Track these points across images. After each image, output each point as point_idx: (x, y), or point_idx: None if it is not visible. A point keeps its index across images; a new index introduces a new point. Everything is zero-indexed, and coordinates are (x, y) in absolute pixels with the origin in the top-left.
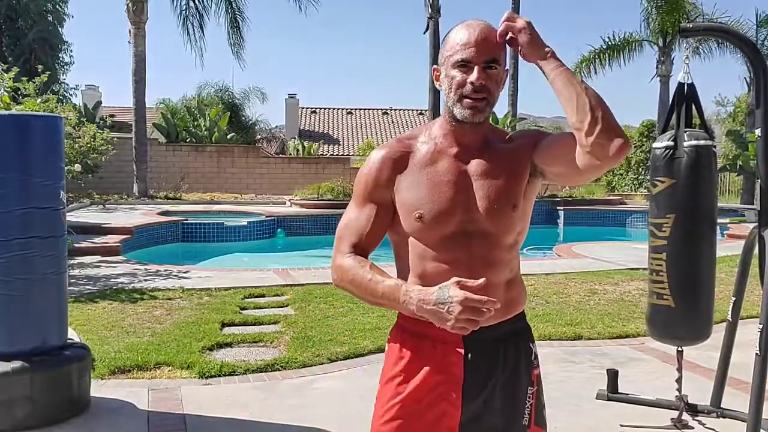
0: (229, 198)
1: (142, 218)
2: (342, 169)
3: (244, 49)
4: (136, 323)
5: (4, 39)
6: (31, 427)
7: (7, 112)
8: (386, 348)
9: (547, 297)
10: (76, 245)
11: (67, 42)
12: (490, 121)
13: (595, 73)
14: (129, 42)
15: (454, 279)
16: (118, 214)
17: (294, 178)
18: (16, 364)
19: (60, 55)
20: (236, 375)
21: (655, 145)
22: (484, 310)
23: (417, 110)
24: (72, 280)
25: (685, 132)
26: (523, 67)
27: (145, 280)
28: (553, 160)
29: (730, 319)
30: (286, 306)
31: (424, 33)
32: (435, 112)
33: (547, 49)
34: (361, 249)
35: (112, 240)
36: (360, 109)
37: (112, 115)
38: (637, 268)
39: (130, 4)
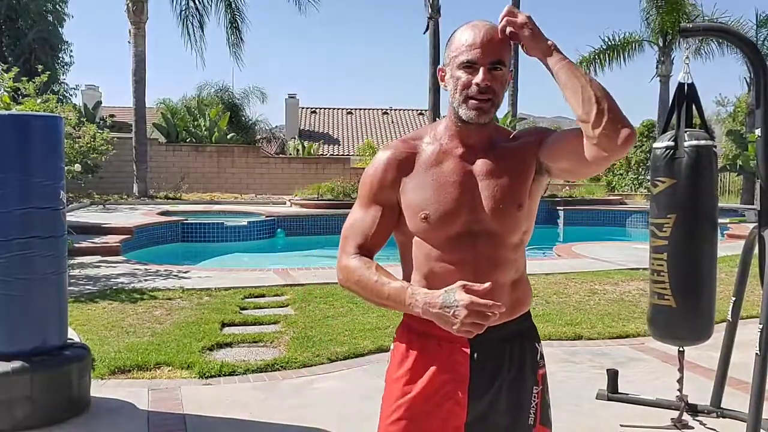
0: (229, 198)
1: (142, 218)
2: (342, 169)
3: (242, 50)
4: (136, 323)
5: (4, 39)
6: (31, 427)
7: (7, 112)
8: (392, 347)
9: (547, 297)
10: (76, 245)
11: (67, 42)
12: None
13: (595, 73)
14: (129, 42)
15: (460, 282)
16: (118, 214)
17: (294, 178)
18: (16, 364)
19: (60, 55)
20: (236, 375)
21: (655, 145)
22: (490, 314)
23: (417, 110)
24: (72, 280)
25: (686, 132)
26: (524, 67)
27: (145, 280)
28: (560, 156)
29: (730, 319)
30: (286, 306)
31: (424, 33)
32: (435, 112)
33: (549, 42)
34: (366, 250)
35: (112, 240)
36: (360, 109)
37: (112, 115)
38: (637, 268)
39: (130, 4)
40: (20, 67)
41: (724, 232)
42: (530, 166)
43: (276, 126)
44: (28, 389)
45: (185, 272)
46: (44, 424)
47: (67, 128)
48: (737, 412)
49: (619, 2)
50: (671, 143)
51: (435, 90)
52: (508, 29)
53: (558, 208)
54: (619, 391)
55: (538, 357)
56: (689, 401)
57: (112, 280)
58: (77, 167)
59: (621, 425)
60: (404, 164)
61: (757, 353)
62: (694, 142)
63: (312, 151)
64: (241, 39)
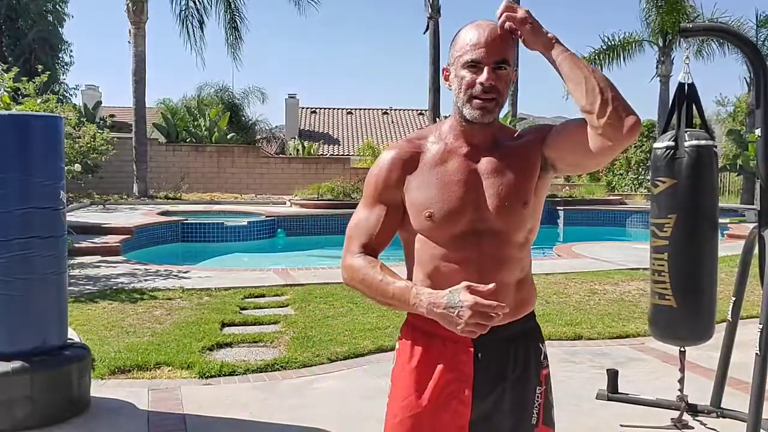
0: (229, 198)
1: (142, 218)
2: (342, 169)
3: (241, 50)
4: (136, 323)
5: (4, 39)
6: (31, 427)
7: (7, 112)
8: (397, 346)
9: (547, 297)
10: (76, 245)
11: (67, 42)
12: None
13: None
14: (129, 42)
15: (465, 283)
16: (118, 214)
17: (294, 178)
18: (16, 364)
19: (60, 55)
20: (236, 375)
21: (655, 145)
22: (493, 315)
23: (417, 110)
24: (72, 280)
25: (686, 132)
26: (524, 66)
27: (145, 280)
28: (564, 148)
29: (730, 319)
30: (286, 306)
31: (424, 33)
32: (435, 112)
33: (550, 35)
34: (371, 249)
35: (112, 240)
36: (360, 109)
37: (112, 115)
38: (637, 268)
39: (130, 4)
40: (20, 67)
41: (724, 232)
42: (535, 163)
43: (276, 126)
44: (28, 389)
45: (185, 272)
46: (44, 424)
47: (67, 128)
48: (737, 412)
49: (619, 2)
50: (672, 143)
51: (435, 90)
52: (508, 24)
53: (558, 208)
54: (619, 391)
55: (542, 357)
56: (689, 401)
57: (112, 280)
58: (77, 167)
59: (621, 425)
60: (409, 163)
61: (757, 353)
62: (695, 142)
63: (312, 151)
64: (240, 39)
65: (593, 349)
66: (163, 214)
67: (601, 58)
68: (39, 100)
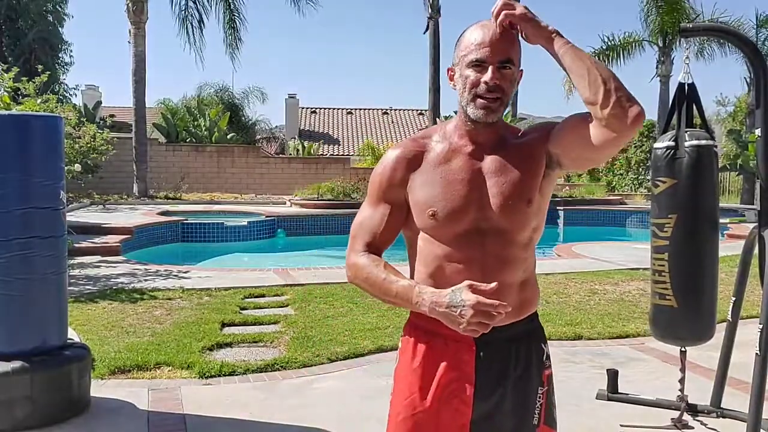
0: (229, 198)
1: (142, 218)
2: (342, 169)
3: (240, 51)
4: (136, 323)
5: (4, 39)
6: (31, 427)
7: (7, 112)
8: (400, 345)
9: (547, 297)
10: (76, 245)
11: (67, 42)
12: None
13: None
14: (129, 42)
15: (467, 282)
16: (118, 214)
17: (294, 178)
18: (16, 364)
19: (60, 55)
20: (236, 375)
21: (656, 145)
22: (496, 314)
23: (417, 110)
24: (72, 280)
25: (686, 132)
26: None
27: (145, 280)
28: (569, 143)
29: (730, 319)
30: (286, 306)
31: (424, 33)
32: (435, 112)
33: (550, 29)
34: (374, 248)
35: (112, 240)
36: (360, 109)
37: (112, 115)
38: (637, 268)
39: (130, 4)
40: (20, 67)
41: (724, 232)
42: (540, 161)
43: (276, 126)
44: (28, 389)
45: (185, 272)
46: (44, 424)
47: (67, 128)
48: (737, 412)
49: (619, 2)
50: (672, 143)
51: (435, 90)
52: (507, 19)
53: (558, 208)
54: (619, 391)
55: (545, 358)
56: (689, 401)
57: (112, 280)
58: (77, 167)
59: (621, 425)
60: (413, 162)
61: (757, 353)
62: (695, 142)
63: (312, 151)
64: (239, 39)
65: (593, 349)
66: (163, 214)
67: (601, 58)
68: (39, 100)
